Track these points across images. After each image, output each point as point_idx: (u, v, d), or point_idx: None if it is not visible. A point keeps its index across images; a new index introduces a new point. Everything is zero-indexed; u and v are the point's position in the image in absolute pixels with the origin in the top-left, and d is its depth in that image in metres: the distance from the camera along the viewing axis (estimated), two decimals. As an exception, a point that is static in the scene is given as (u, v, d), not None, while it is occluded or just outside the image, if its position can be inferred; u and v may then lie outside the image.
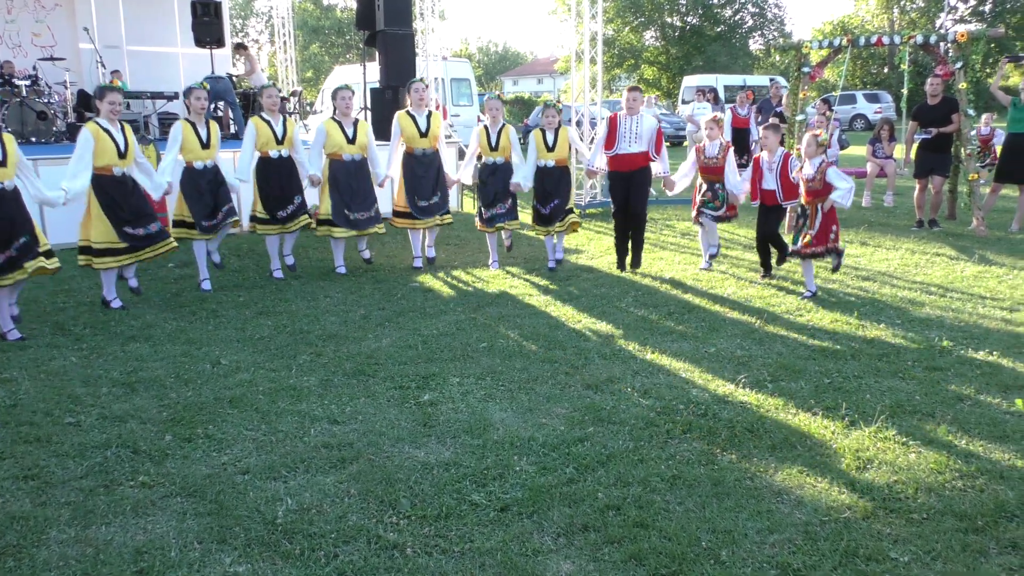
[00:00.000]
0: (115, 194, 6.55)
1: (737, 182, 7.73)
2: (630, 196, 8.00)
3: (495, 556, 3.10)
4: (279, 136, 7.67)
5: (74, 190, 6.27)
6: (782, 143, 10.82)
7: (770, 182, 7.31)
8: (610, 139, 7.92)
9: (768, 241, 7.57)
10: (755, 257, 8.67)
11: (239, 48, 15.90)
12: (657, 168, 8.12)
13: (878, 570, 2.99)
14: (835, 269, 7.25)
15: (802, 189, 6.97)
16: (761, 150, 7.51)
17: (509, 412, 4.51)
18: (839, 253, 6.99)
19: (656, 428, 4.26)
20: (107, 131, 6.45)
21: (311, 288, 7.56)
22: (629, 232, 8.17)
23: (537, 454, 3.96)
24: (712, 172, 7.88)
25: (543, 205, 8.11)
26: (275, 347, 5.77)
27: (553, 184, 8.03)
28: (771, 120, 9.02)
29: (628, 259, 8.23)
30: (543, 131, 8.03)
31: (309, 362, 5.42)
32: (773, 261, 7.73)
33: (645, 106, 18.89)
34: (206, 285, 7.50)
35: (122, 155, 6.53)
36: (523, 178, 8.03)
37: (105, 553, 3.15)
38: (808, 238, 6.86)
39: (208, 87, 7.62)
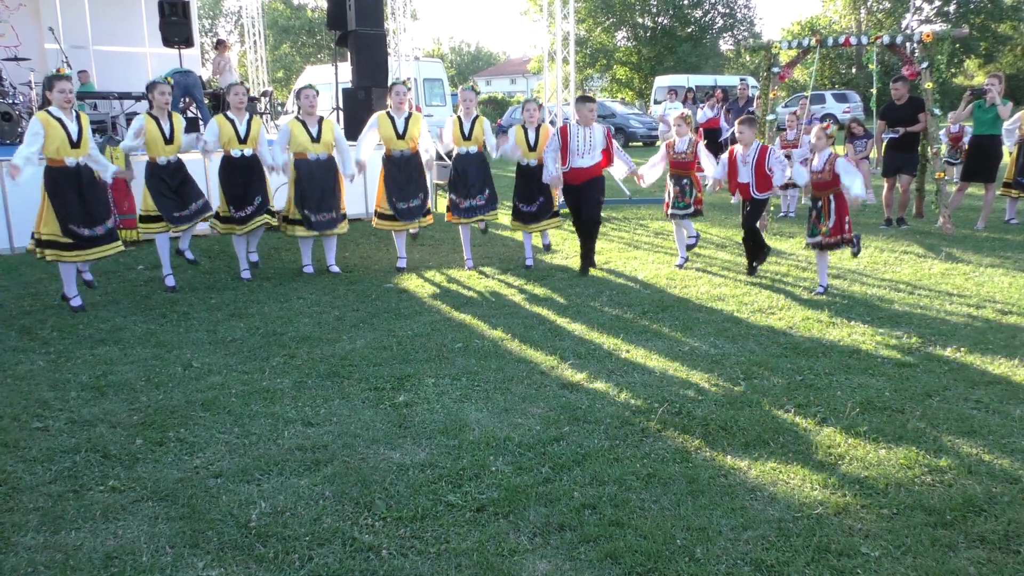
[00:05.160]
0: (67, 187, 6.44)
1: (715, 168, 7.79)
2: (583, 207, 7.92)
3: (471, 557, 3.10)
4: (242, 135, 7.60)
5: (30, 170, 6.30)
6: None
7: (744, 175, 7.35)
8: (563, 152, 7.80)
9: (747, 237, 7.61)
10: (727, 256, 8.76)
11: (220, 45, 15.81)
12: (622, 170, 8.11)
13: (849, 565, 3.02)
14: (855, 254, 7.27)
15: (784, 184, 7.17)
16: (734, 143, 7.60)
17: (485, 412, 4.51)
18: (856, 239, 7.06)
19: (631, 427, 4.28)
20: (58, 119, 6.34)
21: (284, 290, 7.50)
22: (578, 232, 8.21)
23: (513, 454, 3.97)
24: (681, 167, 7.98)
25: (526, 203, 8.10)
26: (247, 349, 5.71)
27: (537, 183, 7.99)
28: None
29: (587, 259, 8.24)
30: (524, 128, 8.03)
31: (282, 364, 5.38)
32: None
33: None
34: (170, 281, 7.41)
35: (75, 144, 6.41)
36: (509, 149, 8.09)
37: (75, 559, 3.10)
38: (825, 229, 6.95)
39: (172, 82, 7.55)
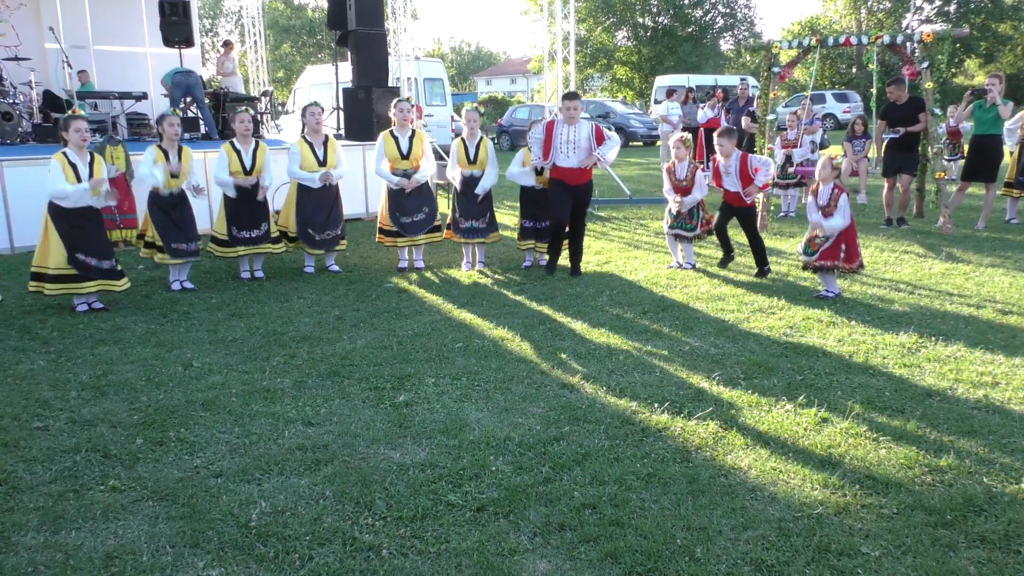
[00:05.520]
0: (73, 223, 6.46)
1: (695, 198, 7.80)
2: (575, 209, 7.72)
3: (471, 556, 3.10)
4: (247, 167, 7.64)
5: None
6: (752, 145, 10.95)
7: (730, 184, 7.58)
8: (547, 148, 7.56)
9: (718, 233, 7.92)
10: (727, 256, 8.75)
11: (227, 45, 15.88)
12: (608, 156, 7.65)
13: (850, 565, 3.02)
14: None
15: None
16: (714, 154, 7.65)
17: (485, 412, 4.51)
18: (860, 267, 6.89)
19: (631, 426, 4.28)
20: (73, 165, 6.35)
21: (284, 289, 7.50)
22: (565, 238, 7.94)
23: (513, 454, 3.97)
24: (683, 192, 7.89)
25: (534, 222, 8.11)
26: (248, 349, 5.71)
27: (544, 205, 7.93)
28: (744, 120, 8.96)
29: (566, 264, 8.03)
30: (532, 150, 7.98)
31: (283, 364, 5.38)
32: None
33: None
34: (176, 286, 7.46)
35: None
36: (482, 188, 7.99)
37: (75, 558, 3.10)
38: (820, 242, 6.74)
39: (180, 114, 7.59)
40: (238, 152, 7.61)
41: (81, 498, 3.57)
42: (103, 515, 3.42)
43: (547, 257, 8.11)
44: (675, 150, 7.95)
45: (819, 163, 6.90)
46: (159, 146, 7.22)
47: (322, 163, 7.82)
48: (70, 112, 6.74)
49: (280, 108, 25.42)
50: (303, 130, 8.10)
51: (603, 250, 9.21)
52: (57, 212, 6.44)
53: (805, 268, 7.02)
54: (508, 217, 11.31)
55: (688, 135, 8.52)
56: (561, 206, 7.69)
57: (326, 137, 7.99)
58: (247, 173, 7.63)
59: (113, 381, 5.04)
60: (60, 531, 3.30)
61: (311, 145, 7.84)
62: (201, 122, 13.59)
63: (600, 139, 7.52)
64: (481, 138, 8.04)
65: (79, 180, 6.37)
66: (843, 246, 6.72)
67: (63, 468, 3.86)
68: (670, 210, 8.05)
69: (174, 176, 7.21)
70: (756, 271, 7.75)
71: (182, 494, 3.59)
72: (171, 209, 7.31)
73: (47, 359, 5.52)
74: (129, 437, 4.20)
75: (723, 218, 7.87)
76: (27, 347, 5.80)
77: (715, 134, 7.74)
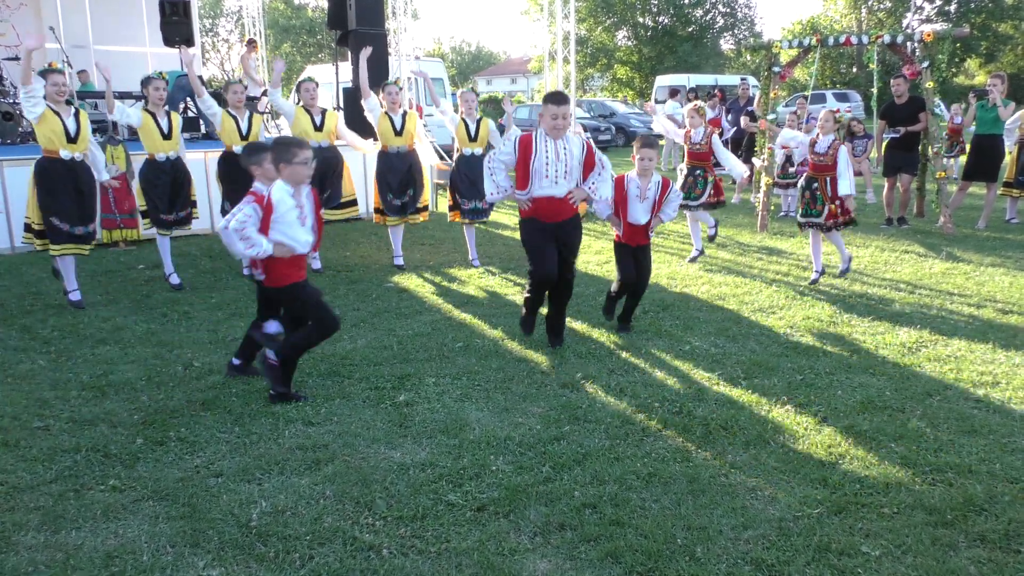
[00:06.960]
0: (56, 179, 6.44)
1: (735, 165, 7.76)
2: (561, 259, 5.48)
3: (472, 556, 3.10)
4: (243, 132, 7.62)
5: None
6: (752, 145, 10.82)
7: (641, 214, 5.83)
8: (522, 173, 5.39)
9: (612, 298, 6.14)
10: (728, 256, 8.75)
11: (251, 44, 15.89)
12: (602, 193, 5.57)
13: (850, 564, 3.02)
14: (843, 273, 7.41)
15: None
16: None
17: (485, 412, 4.51)
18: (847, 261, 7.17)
19: (632, 426, 4.28)
20: (57, 113, 6.36)
21: (284, 289, 7.49)
22: (550, 294, 5.69)
23: (513, 453, 3.97)
24: (697, 158, 8.02)
25: None
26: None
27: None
28: (743, 119, 8.78)
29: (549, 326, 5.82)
30: None
31: (283, 363, 5.37)
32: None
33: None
34: (174, 279, 7.45)
35: (71, 139, 6.42)
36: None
37: (75, 558, 3.10)
38: (826, 209, 6.99)
39: (167, 77, 7.55)
40: (234, 118, 7.61)
41: (81, 498, 3.57)
42: (103, 515, 3.42)
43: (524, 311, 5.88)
44: (690, 119, 8.12)
45: (821, 115, 7.09)
46: (146, 109, 7.16)
47: (318, 128, 7.86)
48: (48, 65, 6.70)
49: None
50: (298, 101, 8.16)
51: (603, 250, 9.20)
52: (42, 166, 6.44)
53: (813, 228, 7.14)
54: (509, 217, 11.31)
55: (702, 104, 8.61)
56: (544, 255, 5.45)
57: (324, 109, 8.02)
58: (244, 138, 7.60)
59: (114, 381, 5.04)
60: (60, 531, 3.30)
61: (308, 112, 7.89)
62: (201, 122, 13.57)
63: (591, 164, 5.47)
64: (481, 118, 8.10)
65: (65, 129, 6.34)
66: (839, 202, 7.00)
67: (63, 468, 3.86)
68: (681, 177, 8.16)
69: (166, 139, 7.16)
70: (619, 324, 6.08)
71: (182, 494, 3.59)
72: (166, 176, 7.25)
73: (48, 359, 5.52)
74: (129, 437, 4.21)
75: (624, 267, 5.89)
76: (28, 347, 5.80)
77: (639, 145, 5.83)
